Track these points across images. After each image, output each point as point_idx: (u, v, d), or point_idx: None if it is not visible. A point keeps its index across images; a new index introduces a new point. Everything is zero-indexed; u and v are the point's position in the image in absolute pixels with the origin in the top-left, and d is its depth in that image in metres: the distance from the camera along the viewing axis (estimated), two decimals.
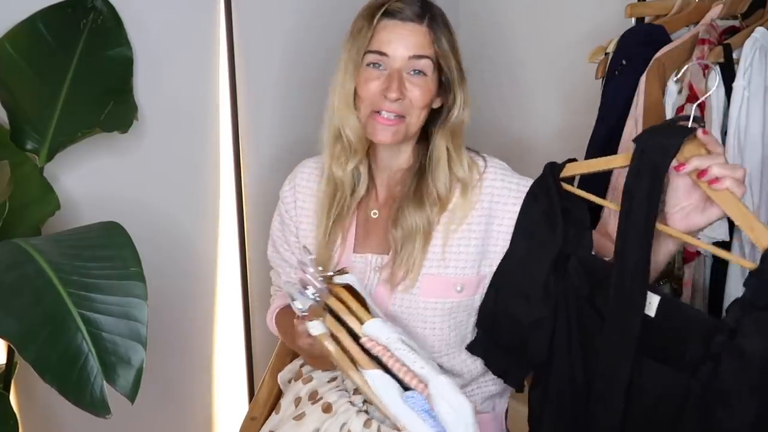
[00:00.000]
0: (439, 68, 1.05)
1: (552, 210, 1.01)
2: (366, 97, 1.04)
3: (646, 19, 1.38)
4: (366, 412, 1.04)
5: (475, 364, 1.13)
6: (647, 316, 0.90)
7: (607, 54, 1.34)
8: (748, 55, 1.12)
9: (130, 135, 1.33)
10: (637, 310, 0.90)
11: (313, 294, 0.97)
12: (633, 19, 1.40)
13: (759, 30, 1.13)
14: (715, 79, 1.15)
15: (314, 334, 0.95)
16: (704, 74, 1.19)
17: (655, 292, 0.90)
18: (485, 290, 1.09)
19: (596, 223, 1.18)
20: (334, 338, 0.95)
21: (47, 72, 1.28)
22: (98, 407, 0.80)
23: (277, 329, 1.25)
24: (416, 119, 1.05)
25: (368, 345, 0.94)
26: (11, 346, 1.15)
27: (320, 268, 1.00)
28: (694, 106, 0.94)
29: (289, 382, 1.17)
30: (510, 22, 1.89)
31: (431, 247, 1.07)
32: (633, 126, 1.24)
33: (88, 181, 1.38)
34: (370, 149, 1.11)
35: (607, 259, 0.99)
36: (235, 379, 1.70)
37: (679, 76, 1.19)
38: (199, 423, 1.68)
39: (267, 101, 1.62)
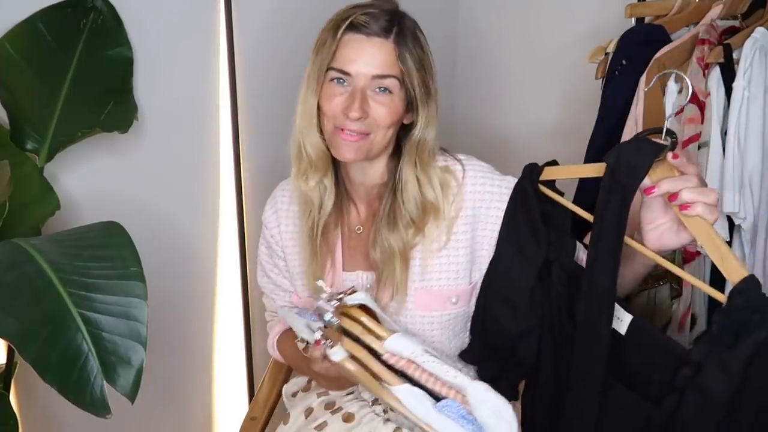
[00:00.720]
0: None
1: (533, 216, 0.99)
2: (329, 113, 0.99)
3: (646, 19, 1.38)
4: (389, 420, 1.02)
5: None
6: (617, 333, 0.89)
7: (607, 54, 1.34)
8: (748, 55, 1.12)
9: (130, 135, 1.33)
10: (601, 332, 0.88)
11: (329, 318, 0.95)
12: (633, 19, 1.40)
13: (759, 30, 1.13)
14: (715, 78, 1.15)
15: (336, 360, 0.92)
16: (704, 74, 1.19)
17: (628, 311, 0.88)
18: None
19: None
20: (355, 360, 0.93)
21: (47, 72, 1.28)
22: (98, 407, 0.80)
23: (281, 356, 1.23)
24: (381, 137, 1.00)
25: (391, 361, 0.93)
26: (11, 346, 1.15)
27: (329, 290, 0.99)
28: (667, 119, 0.90)
29: (294, 395, 1.16)
30: (510, 22, 1.89)
31: (415, 267, 1.05)
32: (633, 126, 1.24)
33: (88, 181, 1.38)
34: (341, 165, 1.08)
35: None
36: (235, 379, 1.70)
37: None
38: (199, 423, 1.68)
39: (267, 101, 1.62)
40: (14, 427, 1.13)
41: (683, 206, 0.82)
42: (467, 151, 1.13)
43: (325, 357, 0.94)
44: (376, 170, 1.07)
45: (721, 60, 1.15)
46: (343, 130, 0.99)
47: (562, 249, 0.98)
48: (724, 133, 1.17)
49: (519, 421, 1.04)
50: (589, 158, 1.31)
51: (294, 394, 1.16)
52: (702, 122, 1.19)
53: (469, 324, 1.10)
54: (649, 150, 0.85)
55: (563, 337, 0.98)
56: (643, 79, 1.22)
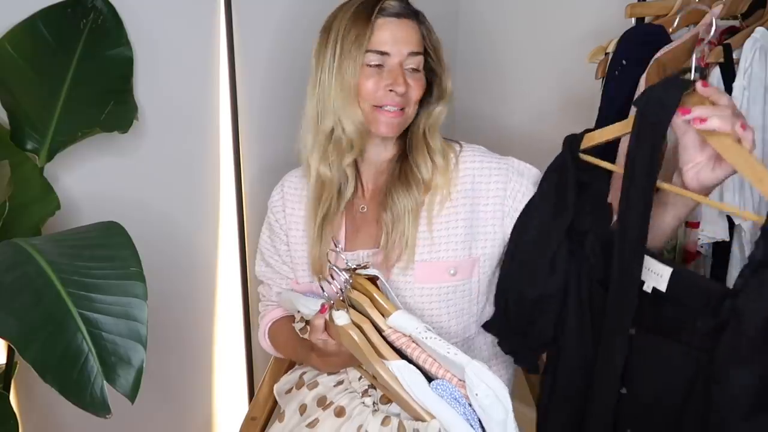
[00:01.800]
0: (425, 62, 1.09)
1: (564, 184, 0.99)
2: (369, 94, 1.05)
3: (646, 19, 1.38)
4: (378, 410, 1.04)
5: (481, 355, 1.15)
6: (658, 291, 0.88)
7: (607, 54, 1.34)
8: (748, 55, 1.12)
9: (130, 135, 1.33)
10: (633, 279, 0.88)
11: (344, 279, 1.00)
12: (633, 19, 1.40)
13: (759, 30, 1.13)
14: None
15: (339, 324, 0.96)
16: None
17: (666, 263, 0.87)
18: (482, 275, 1.11)
19: None
20: (359, 329, 0.96)
21: (47, 72, 1.28)
22: (98, 407, 0.79)
23: (272, 344, 1.26)
24: (412, 112, 1.09)
25: (392, 337, 0.96)
26: (11, 346, 1.15)
27: (345, 259, 1.05)
28: (694, 56, 0.91)
29: (287, 392, 1.17)
30: (510, 22, 1.89)
31: (420, 232, 1.09)
32: None
33: (88, 181, 1.38)
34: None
35: None
36: (235, 379, 1.70)
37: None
38: (199, 423, 1.68)
39: (267, 101, 1.62)
40: (14, 427, 1.13)
41: (701, 122, 0.82)
42: None
43: (326, 329, 0.99)
44: (391, 146, 1.14)
45: (721, 60, 1.16)
46: (382, 107, 1.06)
47: (598, 219, 0.97)
48: None
49: (531, 418, 1.08)
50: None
51: (287, 392, 1.16)
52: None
53: (474, 306, 1.12)
54: (677, 85, 0.85)
55: (593, 309, 0.97)
56: (643, 78, 1.22)
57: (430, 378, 0.94)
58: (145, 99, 1.40)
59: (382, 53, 1.05)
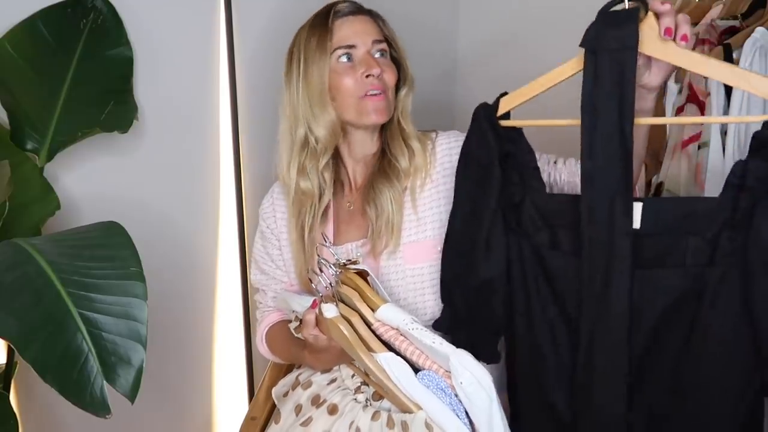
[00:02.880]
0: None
1: (487, 160, 0.96)
2: (349, 88, 1.10)
3: None
4: (369, 405, 1.04)
5: None
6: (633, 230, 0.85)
7: None
8: (748, 55, 1.12)
9: (130, 135, 1.33)
10: (623, 229, 0.84)
11: (334, 273, 1.02)
12: None
13: (759, 30, 1.13)
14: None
15: (328, 317, 0.98)
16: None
17: (634, 199, 0.84)
18: None
19: None
20: (347, 322, 0.98)
21: (47, 72, 1.28)
22: (98, 407, 0.79)
23: (268, 347, 1.27)
24: (392, 96, 1.14)
25: (380, 331, 0.98)
26: (11, 346, 1.15)
27: (334, 254, 1.06)
28: None
29: (285, 395, 1.18)
30: (510, 23, 1.90)
31: (405, 216, 1.13)
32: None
33: (88, 181, 1.38)
34: (340, 146, 1.18)
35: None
36: (235, 379, 1.70)
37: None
38: (199, 423, 1.68)
39: (267, 101, 1.61)
40: (14, 427, 1.13)
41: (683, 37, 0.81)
42: None
43: (317, 324, 1.02)
44: (375, 138, 1.18)
45: (722, 59, 1.16)
46: (366, 95, 1.10)
47: (529, 186, 0.94)
48: (724, 134, 1.17)
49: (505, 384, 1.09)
50: None
51: (285, 395, 1.17)
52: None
53: None
54: (626, 17, 0.81)
55: (549, 277, 0.94)
56: None
57: (417, 370, 0.95)
58: (145, 99, 1.40)
59: (349, 47, 1.10)
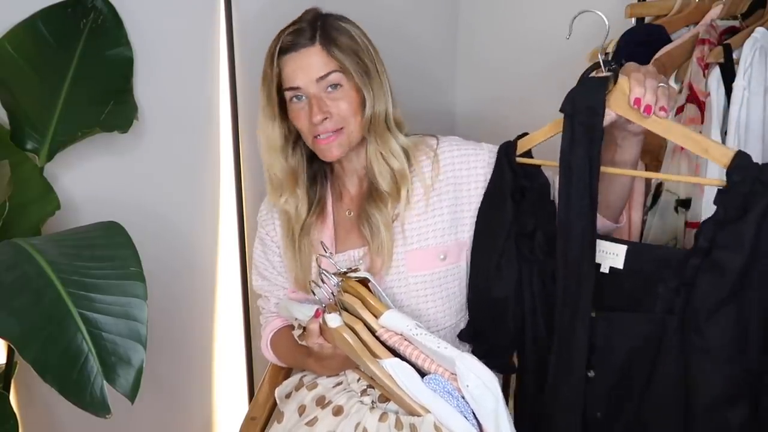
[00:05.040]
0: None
1: (501, 192, 1.05)
2: (303, 129, 1.11)
3: (646, 19, 1.38)
4: (376, 407, 1.04)
5: None
6: (615, 269, 0.94)
7: (606, 54, 1.34)
8: (748, 55, 1.12)
9: (130, 135, 1.33)
10: (586, 276, 0.93)
11: (335, 284, 1.02)
12: (633, 19, 1.40)
13: (759, 30, 1.13)
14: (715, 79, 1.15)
15: (332, 326, 0.98)
16: (704, 74, 1.19)
17: (619, 242, 0.95)
18: (470, 258, 1.15)
19: None
20: (351, 330, 0.98)
21: (47, 72, 1.28)
22: (98, 407, 0.80)
23: (273, 353, 1.28)
24: (355, 126, 1.10)
25: (384, 336, 0.98)
26: (11, 346, 1.15)
27: (335, 263, 1.07)
28: (600, 55, 1.00)
29: (287, 396, 1.18)
30: (510, 23, 1.89)
31: (403, 233, 1.13)
32: None
33: (88, 181, 1.37)
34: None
35: None
36: (235, 379, 1.70)
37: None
38: (199, 423, 1.68)
39: None
40: (14, 427, 1.13)
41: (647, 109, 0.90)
42: None
43: (322, 333, 1.02)
44: (362, 156, 1.16)
45: (721, 60, 1.15)
46: (317, 137, 1.09)
47: (542, 218, 1.02)
48: (724, 133, 1.17)
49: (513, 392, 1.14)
50: None
51: (287, 396, 1.17)
52: (702, 122, 1.19)
53: (460, 287, 1.16)
54: (598, 86, 0.93)
55: (549, 305, 1.01)
56: None
57: (423, 373, 0.96)
58: (145, 99, 1.40)
59: (294, 88, 1.08)
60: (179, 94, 1.47)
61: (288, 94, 1.09)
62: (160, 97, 1.43)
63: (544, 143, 1.05)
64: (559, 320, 0.98)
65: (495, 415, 0.91)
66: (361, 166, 1.17)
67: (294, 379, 1.20)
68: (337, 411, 1.05)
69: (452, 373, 0.93)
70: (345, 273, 1.04)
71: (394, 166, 1.12)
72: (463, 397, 0.92)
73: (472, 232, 1.13)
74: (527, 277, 1.04)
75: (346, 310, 1.02)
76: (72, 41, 1.30)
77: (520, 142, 1.06)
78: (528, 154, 1.05)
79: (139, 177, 1.45)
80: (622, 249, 0.94)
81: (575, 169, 0.92)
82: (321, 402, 1.09)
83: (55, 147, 1.26)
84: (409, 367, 0.95)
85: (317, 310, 1.04)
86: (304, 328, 1.10)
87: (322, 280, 1.05)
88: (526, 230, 1.03)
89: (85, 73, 1.30)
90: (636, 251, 0.94)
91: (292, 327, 1.20)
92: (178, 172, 1.51)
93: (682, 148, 1.18)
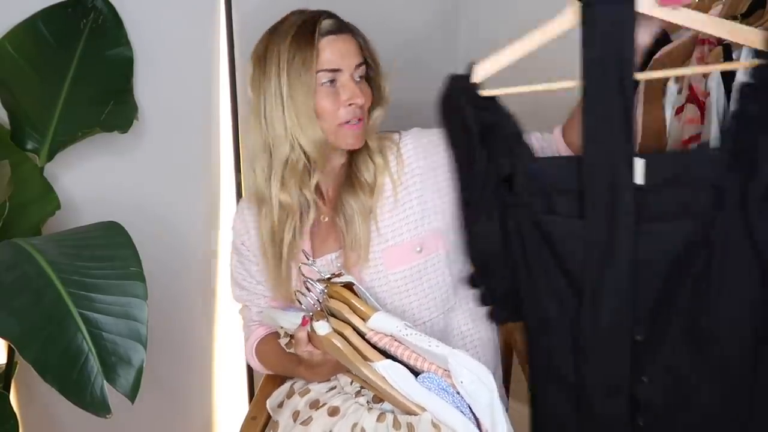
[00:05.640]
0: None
1: (465, 132, 0.94)
2: (329, 113, 1.07)
3: None
4: (372, 408, 1.04)
5: (466, 326, 1.20)
6: (636, 186, 0.86)
7: None
8: (747, 55, 1.12)
9: (130, 135, 1.33)
10: (626, 184, 0.85)
11: (320, 290, 1.01)
12: None
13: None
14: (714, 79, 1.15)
15: (321, 334, 0.97)
16: (704, 74, 1.19)
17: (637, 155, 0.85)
18: (449, 245, 1.14)
19: None
20: (341, 336, 0.98)
21: (47, 72, 1.28)
22: (98, 407, 0.80)
23: (260, 362, 1.27)
24: (367, 119, 1.12)
25: (374, 339, 0.98)
26: (11, 346, 1.15)
27: (318, 270, 1.05)
28: None
29: (280, 406, 1.17)
30: (510, 23, 1.89)
31: (380, 225, 1.13)
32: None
33: (88, 181, 1.37)
34: None
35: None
36: (235, 379, 1.70)
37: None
38: (199, 423, 1.68)
39: None
40: (14, 427, 1.13)
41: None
42: None
43: (310, 340, 1.01)
44: (344, 152, 1.16)
45: (721, 60, 1.15)
46: (348, 122, 1.08)
47: (518, 155, 0.93)
48: None
49: (526, 415, 1.07)
50: None
51: (280, 405, 1.17)
52: (702, 122, 1.19)
53: (448, 278, 1.16)
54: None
55: (552, 240, 0.94)
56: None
57: (416, 373, 0.96)
58: (145, 99, 1.40)
59: (334, 70, 1.06)
60: (179, 94, 1.47)
61: (322, 76, 1.06)
62: (160, 97, 1.43)
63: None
64: (593, 244, 0.89)
65: (491, 409, 0.91)
66: (340, 164, 1.16)
67: (284, 388, 1.19)
68: (333, 411, 1.05)
69: (445, 370, 0.93)
70: (329, 279, 1.03)
71: (378, 162, 1.14)
72: (458, 393, 0.93)
73: (446, 219, 1.13)
74: (514, 224, 0.96)
75: (333, 315, 1.01)
76: (72, 41, 1.30)
77: (479, 68, 0.94)
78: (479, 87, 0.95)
79: (139, 177, 1.45)
80: (639, 162, 0.84)
81: (600, 69, 0.83)
82: (315, 405, 1.09)
83: (55, 147, 1.26)
84: (402, 367, 0.95)
85: (304, 318, 1.03)
86: (291, 336, 1.09)
87: (307, 288, 1.04)
88: (502, 173, 0.94)
89: (85, 73, 1.30)
90: (658, 163, 0.85)
91: (277, 334, 1.19)
92: (178, 172, 1.51)
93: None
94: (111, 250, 0.90)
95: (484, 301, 1.07)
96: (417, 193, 1.13)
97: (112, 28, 1.33)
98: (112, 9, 1.33)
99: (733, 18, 1.27)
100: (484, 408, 0.91)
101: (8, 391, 1.21)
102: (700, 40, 1.20)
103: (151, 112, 1.42)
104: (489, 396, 0.91)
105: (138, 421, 1.31)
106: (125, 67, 1.35)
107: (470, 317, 1.21)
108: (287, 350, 1.12)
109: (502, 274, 1.01)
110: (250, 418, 1.26)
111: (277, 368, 1.26)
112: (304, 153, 1.08)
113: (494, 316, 1.10)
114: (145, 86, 1.40)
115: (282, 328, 1.12)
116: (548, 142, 1.13)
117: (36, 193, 1.25)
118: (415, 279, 1.14)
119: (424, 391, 0.93)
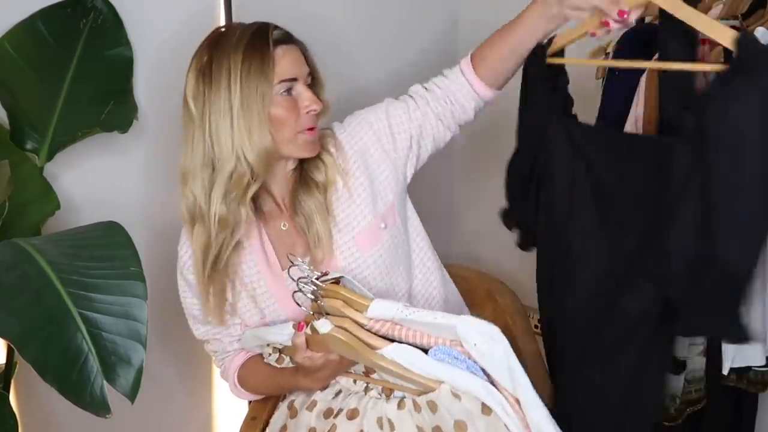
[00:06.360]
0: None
1: (531, 85, 1.16)
2: (288, 122, 1.07)
3: (647, 19, 1.38)
4: (391, 398, 1.04)
5: (433, 288, 1.25)
6: None
7: (607, 54, 1.34)
8: None
9: (130, 135, 1.33)
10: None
11: (313, 292, 1.00)
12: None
13: (759, 30, 1.12)
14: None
15: (324, 331, 0.97)
16: (704, 74, 1.18)
17: None
18: (400, 215, 1.20)
19: None
20: (344, 330, 0.97)
21: (47, 72, 1.28)
22: (98, 407, 0.80)
23: (246, 389, 1.23)
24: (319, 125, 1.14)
25: (375, 327, 0.98)
26: (11, 346, 1.15)
27: (310, 268, 1.03)
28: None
29: (283, 429, 1.16)
30: (511, 18, 1.89)
31: (342, 217, 1.14)
32: (633, 126, 1.24)
33: (88, 181, 1.37)
34: (271, 168, 1.12)
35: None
36: None
37: None
38: (199, 423, 1.68)
39: None
40: (14, 427, 1.13)
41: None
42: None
43: (308, 345, 1.00)
44: (293, 159, 1.16)
45: (722, 60, 1.15)
46: (309, 129, 1.10)
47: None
48: None
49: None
50: None
51: (283, 429, 1.15)
52: None
53: (406, 245, 1.21)
54: None
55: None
56: (643, 79, 1.22)
57: (424, 350, 0.96)
58: (145, 99, 1.40)
59: (291, 80, 1.07)
60: (179, 94, 1.47)
61: (281, 87, 1.06)
62: (160, 97, 1.43)
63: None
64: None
65: (507, 365, 0.92)
66: (291, 170, 1.15)
67: (282, 411, 1.18)
68: (352, 414, 1.05)
69: (452, 340, 0.94)
70: (318, 278, 1.02)
71: (327, 160, 1.15)
72: (469, 358, 0.94)
73: (395, 192, 1.17)
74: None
75: (329, 314, 1.00)
76: (72, 41, 1.30)
77: (555, 39, 1.12)
78: (561, 53, 1.13)
79: (139, 177, 1.45)
80: None
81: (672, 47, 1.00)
82: (329, 414, 1.08)
83: (55, 147, 1.26)
84: (409, 347, 0.96)
85: (299, 323, 1.01)
86: (281, 351, 1.08)
87: (300, 290, 1.02)
88: (567, 111, 1.13)
89: (85, 73, 1.30)
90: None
91: (257, 358, 1.18)
92: (178, 172, 1.50)
93: None
94: (111, 250, 0.90)
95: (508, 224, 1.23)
96: (363, 176, 1.15)
97: (112, 28, 1.33)
98: (112, 9, 1.33)
99: (734, 18, 1.27)
100: (501, 364, 0.92)
101: (8, 391, 1.21)
102: (700, 39, 1.20)
103: (151, 112, 1.42)
104: (504, 352, 0.92)
105: (138, 421, 1.31)
106: (125, 67, 1.35)
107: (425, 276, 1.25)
108: (279, 366, 1.11)
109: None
110: (250, 418, 1.26)
111: (269, 388, 1.22)
112: (249, 165, 1.06)
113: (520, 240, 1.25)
114: (145, 86, 1.40)
115: (269, 345, 1.10)
116: (451, 80, 1.19)
117: (36, 193, 1.25)
118: (390, 253, 1.16)
119: (438, 364, 0.94)
